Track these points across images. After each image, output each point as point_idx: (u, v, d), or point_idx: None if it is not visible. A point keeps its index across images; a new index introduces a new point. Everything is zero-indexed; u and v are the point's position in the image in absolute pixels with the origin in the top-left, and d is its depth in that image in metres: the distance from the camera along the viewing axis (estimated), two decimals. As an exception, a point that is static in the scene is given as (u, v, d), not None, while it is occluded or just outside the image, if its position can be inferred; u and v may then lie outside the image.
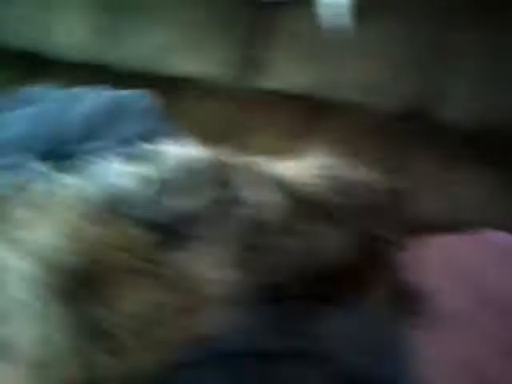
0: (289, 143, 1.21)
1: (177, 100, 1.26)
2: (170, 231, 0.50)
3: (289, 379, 0.49)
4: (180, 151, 0.60)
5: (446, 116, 1.28)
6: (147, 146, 0.66)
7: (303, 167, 0.59)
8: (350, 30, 1.23)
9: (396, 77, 1.27)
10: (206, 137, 1.19)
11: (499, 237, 0.73)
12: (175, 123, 1.15)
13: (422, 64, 1.27)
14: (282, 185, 0.54)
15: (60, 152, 0.93)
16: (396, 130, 1.25)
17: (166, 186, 0.54)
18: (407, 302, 0.58)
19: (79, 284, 0.44)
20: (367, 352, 0.52)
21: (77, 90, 1.05)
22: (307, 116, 1.29)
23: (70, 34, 1.38)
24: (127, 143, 0.97)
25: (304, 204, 0.54)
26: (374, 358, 0.52)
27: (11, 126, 0.93)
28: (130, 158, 0.76)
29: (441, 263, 0.65)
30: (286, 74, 1.33)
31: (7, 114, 1.00)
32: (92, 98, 1.03)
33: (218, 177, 0.54)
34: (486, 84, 1.25)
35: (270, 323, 0.51)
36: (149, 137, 1.03)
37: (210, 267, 0.48)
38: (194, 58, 1.34)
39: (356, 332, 0.54)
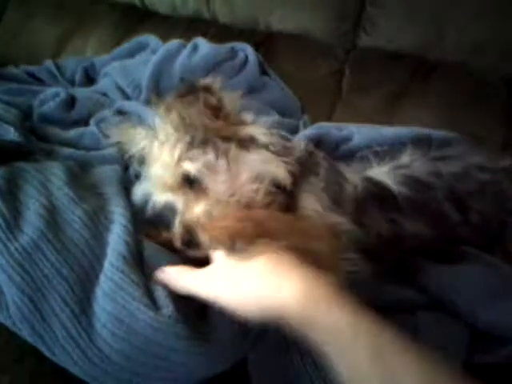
0: (394, 104, 1.20)
1: (280, 56, 1.29)
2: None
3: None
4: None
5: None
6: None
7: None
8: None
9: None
10: (313, 94, 1.22)
11: None
12: (278, 77, 1.18)
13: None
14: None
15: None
16: (499, 92, 1.19)
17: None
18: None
19: None
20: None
21: (180, 42, 1.10)
22: (411, 77, 1.25)
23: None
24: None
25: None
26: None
27: (137, 71, 1.01)
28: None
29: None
30: (391, 32, 1.28)
31: (129, 59, 1.08)
32: (195, 50, 1.08)
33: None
34: None
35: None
36: (253, 88, 1.07)
37: None
38: (296, 15, 1.33)
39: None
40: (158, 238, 0.64)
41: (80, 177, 0.71)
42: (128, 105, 0.93)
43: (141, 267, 0.57)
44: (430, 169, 0.70)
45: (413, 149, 0.74)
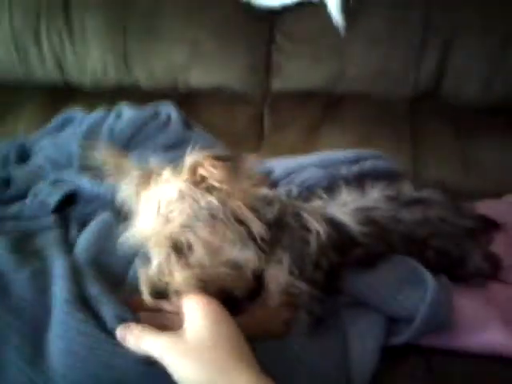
0: (311, 136, 1.32)
1: (202, 110, 1.39)
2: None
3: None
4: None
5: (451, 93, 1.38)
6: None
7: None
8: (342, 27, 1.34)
9: (400, 62, 1.37)
10: (238, 139, 1.32)
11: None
12: (203, 130, 1.27)
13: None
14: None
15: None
16: (404, 112, 1.35)
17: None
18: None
19: None
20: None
21: (105, 110, 1.18)
22: (323, 110, 1.39)
23: (92, 62, 1.50)
24: (159, 150, 1.09)
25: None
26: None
27: (67, 143, 1.08)
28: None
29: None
30: (299, 74, 1.43)
31: (59, 133, 1.14)
32: (119, 116, 1.15)
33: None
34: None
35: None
36: (178, 143, 1.15)
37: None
38: (211, 71, 1.45)
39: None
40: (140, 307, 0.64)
41: (24, 244, 0.77)
42: (63, 174, 0.99)
43: (85, 306, 0.62)
44: (392, 214, 0.75)
45: (380, 190, 0.79)
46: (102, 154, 0.69)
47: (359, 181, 0.84)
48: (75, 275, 0.67)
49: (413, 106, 1.37)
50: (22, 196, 0.97)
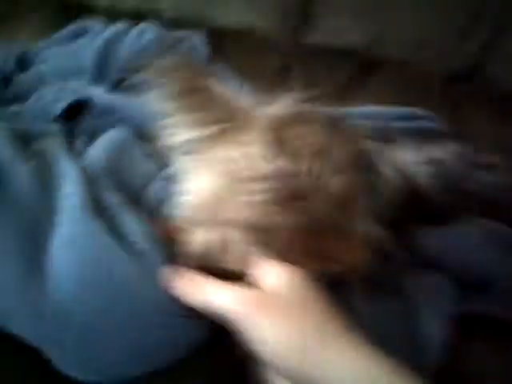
0: (341, 95, 1.17)
1: (227, 53, 1.25)
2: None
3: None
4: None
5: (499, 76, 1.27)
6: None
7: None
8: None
9: (450, 34, 1.26)
10: (263, 91, 1.19)
11: None
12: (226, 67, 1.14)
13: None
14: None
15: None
16: (443, 91, 1.23)
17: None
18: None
19: None
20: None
21: (128, 24, 1.05)
22: (355, 74, 1.27)
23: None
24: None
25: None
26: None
27: (81, 53, 0.94)
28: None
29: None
30: (338, 29, 1.31)
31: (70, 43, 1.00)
32: (143, 33, 1.03)
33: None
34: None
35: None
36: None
37: None
38: (245, 10, 1.33)
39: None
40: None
41: (25, 142, 0.64)
42: (73, 83, 0.86)
43: (102, 216, 0.51)
44: (465, 170, 0.65)
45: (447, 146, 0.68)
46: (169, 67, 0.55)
47: (417, 138, 0.73)
48: (88, 182, 0.55)
49: (452, 84, 1.26)
50: (23, 98, 0.84)
